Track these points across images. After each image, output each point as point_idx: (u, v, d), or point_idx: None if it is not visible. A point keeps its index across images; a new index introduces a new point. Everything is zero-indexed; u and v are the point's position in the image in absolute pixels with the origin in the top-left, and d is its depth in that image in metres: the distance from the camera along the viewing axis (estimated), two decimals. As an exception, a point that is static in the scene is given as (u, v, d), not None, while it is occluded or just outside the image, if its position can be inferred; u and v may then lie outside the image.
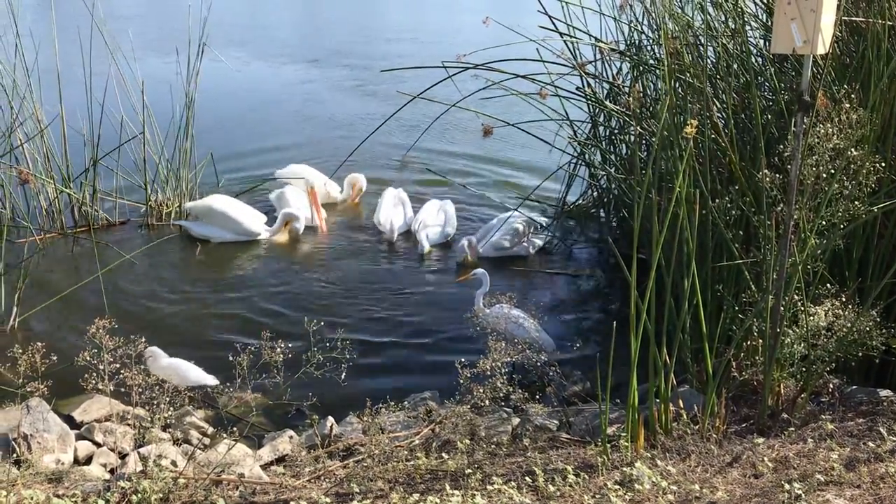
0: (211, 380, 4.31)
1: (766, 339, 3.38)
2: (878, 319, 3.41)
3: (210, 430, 4.07)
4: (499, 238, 6.41)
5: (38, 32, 6.99)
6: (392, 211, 7.00)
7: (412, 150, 8.39)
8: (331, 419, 3.96)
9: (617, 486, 2.83)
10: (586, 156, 6.71)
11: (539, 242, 6.66)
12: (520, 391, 3.74)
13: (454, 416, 3.64)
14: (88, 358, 3.94)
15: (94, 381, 3.96)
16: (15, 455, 3.50)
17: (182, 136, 7.01)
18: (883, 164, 3.39)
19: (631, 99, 4.25)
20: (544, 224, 6.92)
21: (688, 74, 4.48)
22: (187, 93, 6.96)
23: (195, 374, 4.32)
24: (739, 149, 4.25)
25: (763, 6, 4.82)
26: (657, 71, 5.25)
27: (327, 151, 8.58)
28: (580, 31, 5.80)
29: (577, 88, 6.08)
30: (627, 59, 5.84)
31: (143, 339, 4.14)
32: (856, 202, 3.31)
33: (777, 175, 3.32)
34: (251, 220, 6.78)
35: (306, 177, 7.36)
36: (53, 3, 6.82)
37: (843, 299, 3.46)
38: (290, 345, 3.61)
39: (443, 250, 6.72)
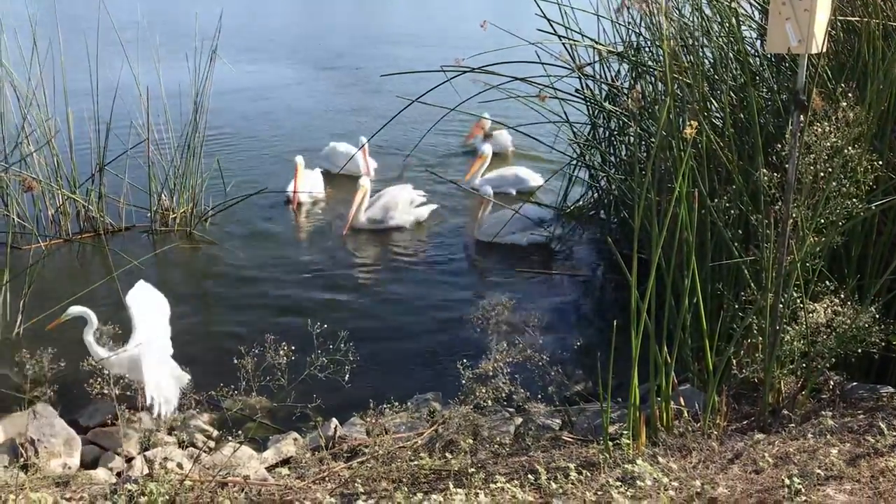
0: None
1: (766, 337, 3.40)
2: (878, 315, 3.43)
3: (215, 432, 4.10)
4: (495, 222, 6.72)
5: (50, 37, 7.03)
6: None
7: (414, 152, 8.45)
8: (335, 421, 3.99)
9: (619, 483, 2.85)
10: (586, 157, 6.73)
11: (537, 237, 6.81)
12: (522, 391, 3.77)
13: (457, 416, 3.67)
14: (93, 363, 3.99)
15: (98, 386, 4.01)
16: (22, 459, 3.55)
17: (190, 142, 7.04)
18: (880, 162, 3.41)
19: (630, 101, 4.28)
20: (543, 220, 6.95)
21: (686, 75, 4.51)
22: (195, 99, 6.99)
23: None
24: (738, 148, 4.27)
25: (759, 6, 4.85)
26: (655, 72, 5.27)
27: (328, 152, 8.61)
28: (578, 33, 5.83)
29: (576, 90, 6.11)
30: (625, 60, 5.86)
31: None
32: (854, 200, 3.33)
33: (775, 174, 3.35)
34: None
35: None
36: (57, 8, 6.88)
37: (843, 296, 3.48)
38: (293, 347, 3.64)
39: (449, 256, 6.76)
